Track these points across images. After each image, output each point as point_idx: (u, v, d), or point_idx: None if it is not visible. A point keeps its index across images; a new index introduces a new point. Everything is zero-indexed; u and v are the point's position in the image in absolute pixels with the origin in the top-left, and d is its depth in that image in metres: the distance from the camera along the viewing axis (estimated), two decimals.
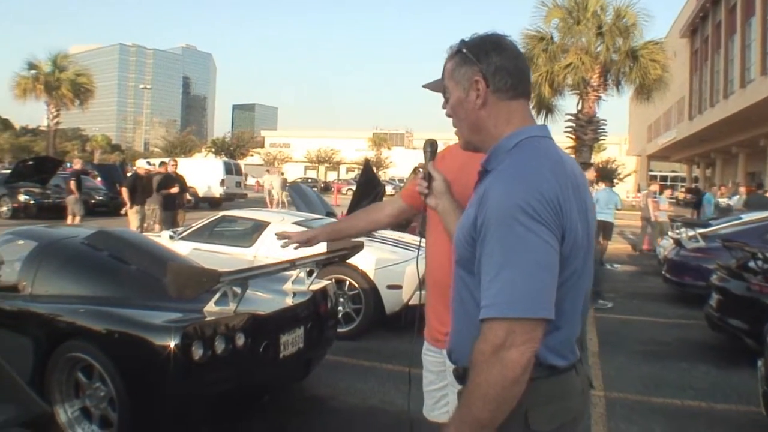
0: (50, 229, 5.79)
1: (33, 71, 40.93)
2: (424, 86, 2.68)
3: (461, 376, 1.89)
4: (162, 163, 15.60)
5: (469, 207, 1.83)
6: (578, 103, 24.03)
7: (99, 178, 28.01)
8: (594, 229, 1.86)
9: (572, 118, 24.09)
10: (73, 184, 16.13)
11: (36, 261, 4.85)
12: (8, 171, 24.79)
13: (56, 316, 4.26)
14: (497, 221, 1.64)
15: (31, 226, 6.46)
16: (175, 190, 13.92)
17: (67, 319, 4.19)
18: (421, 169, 2.45)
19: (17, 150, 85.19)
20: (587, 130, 23.53)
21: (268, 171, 38.96)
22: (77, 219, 15.89)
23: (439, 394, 2.78)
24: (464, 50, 1.91)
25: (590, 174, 11.54)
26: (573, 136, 24.04)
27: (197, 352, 3.78)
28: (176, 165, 14.84)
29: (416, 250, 7.04)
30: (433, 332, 2.71)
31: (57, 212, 21.49)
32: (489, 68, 1.86)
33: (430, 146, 2.43)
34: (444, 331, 2.57)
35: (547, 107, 24.51)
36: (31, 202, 21.71)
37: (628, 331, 8.23)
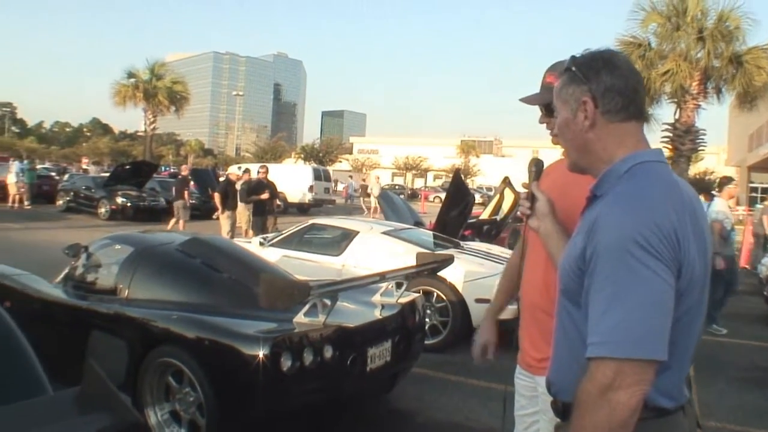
0: (146, 235, 5.94)
1: (132, 80, 42.73)
2: (521, 100, 2.60)
3: (560, 410, 1.82)
4: (246, 170, 15.96)
5: (576, 235, 1.73)
6: (676, 112, 23.15)
7: (192, 183, 28.79)
8: (710, 260, 1.72)
9: (669, 127, 23.18)
10: (182, 189, 16.62)
11: (132, 266, 4.98)
12: (107, 174, 25.74)
13: (150, 321, 4.35)
14: (609, 254, 1.54)
15: (128, 231, 6.64)
16: (265, 196, 14.14)
17: (160, 325, 4.27)
18: (524, 189, 2.37)
19: (116, 153, 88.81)
20: (685, 140, 22.58)
21: (350, 177, 39.34)
22: (181, 223, 16.37)
23: (530, 419, 2.69)
24: (573, 68, 1.81)
25: None
26: (670, 147, 23.08)
27: (286, 363, 3.79)
28: (267, 171, 15.05)
29: (505, 263, 6.93)
30: (526, 357, 2.63)
31: (152, 215, 22.31)
32: (598, 88, 1.75)
33: (535, 165, 2.36)
34: (537, 357, 2.50)
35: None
36: (128, 204, 22.46)
37: (726, 355, 7.77)
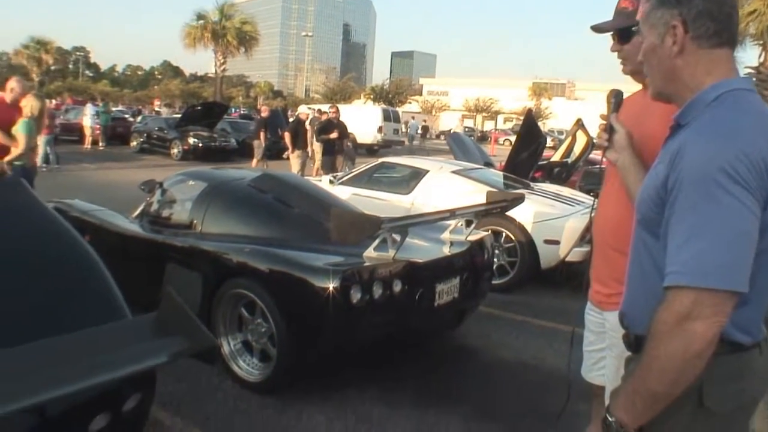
0: (219, 171, 6.04)
1: (201, 21, 42.98)
2: (592, 28, 2.52)
3: (632, 343, 1.80)
4: (323, 111, 16.05)
5: (658, 164, 1.67)
6: (760, 55, 22.15)
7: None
8: None
9: (753, 71, 22.22)
10: (259, 130, 16.84)
11: (206, 201, 5.08)
12: (179, 116, 26.18)
13: (223, 254, 4.45)
14: (693, 182, 1.49)
15: (200, 167, 6.76)
16: (334, 135, 14.18)
17: (233, 257, 4.36)
18: (602, 121, 2.30)
19: (187, 96, 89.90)
20: None
21: (413, 117, 39.02)
22: (254, 162, 16.63)
23: (598, 355, 2.69)
24: None
25: None
26: None
27: (355, 296, 3.85)
28: (337, 111, 15.07)
29: (576, 206, 6.81)
30: (595, 293, 2.61)
31: (223, 155, 22.68)
32: (690, 12, 1.65)
33: (615, 97, 2.29)
34: (606, 293, 2.49)
35: None
36: (199, 144, 22.87)
37: None
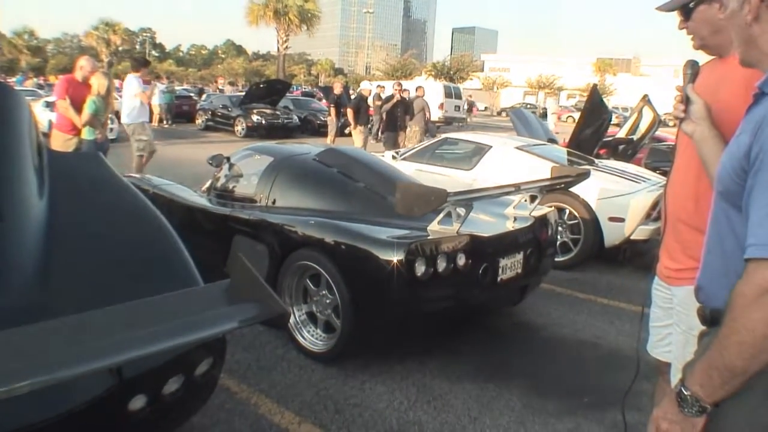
0: (285, 146, 6.13)
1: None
2: (657, 9, 2.48)
3: (707, 317, 1.76)
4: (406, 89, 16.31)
5: (740, 134, 1.63)
6: None
7: (324, 100, 29.31)
8: None
9: None
10: (332, 108, 16.91)
11: (272, 175, 5.18)
12: (242, 94, 26.50)
13: (289, 227, 4.53)
14: None
15: (266, 143, 6.87)
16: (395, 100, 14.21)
17: (299, 230, 4.44)
18: (678, 92, 2.26)
19: (250, 74, 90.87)
20: None
21: (470, 96, 38.55)
22: (331, 139, 16.80)
23: (665, 331, 2.67)
24: None
25: None
26: None
27: (420, 269, 3.87)
28: (400, 88, 15.09)
29: (642, 183, 6.72)
30: (664, 268, 2.57)
31: (285, 132, 22.93)
32: None
33: (691, 67, 2.24)
34: (674, 268, 2.47)
35: None
36: (263, 122, 23.18)
37: None
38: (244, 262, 2.46)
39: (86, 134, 8.39)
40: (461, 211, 4.05)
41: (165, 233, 3.09)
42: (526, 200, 4.89)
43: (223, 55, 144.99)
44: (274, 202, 5.04)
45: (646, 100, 11.77)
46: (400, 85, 15.66)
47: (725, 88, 2.16)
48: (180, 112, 28.21)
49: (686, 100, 2.21)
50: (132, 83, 10.64)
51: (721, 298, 1.57)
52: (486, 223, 4.67)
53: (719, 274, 1.69)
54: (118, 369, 2.26)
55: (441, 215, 4.06)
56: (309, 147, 5.72)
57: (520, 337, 5.11)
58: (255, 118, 23.28)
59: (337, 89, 17.46)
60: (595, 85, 10.34)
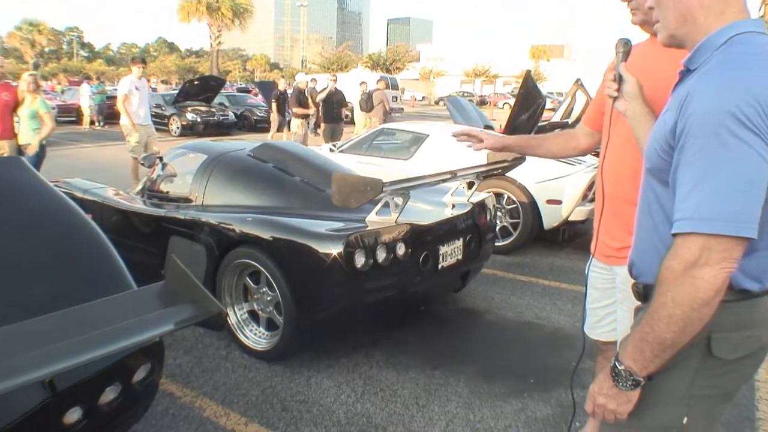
0: (219, 143, 6.03)
1: None
2: None
3: (641, 292, 1.80)
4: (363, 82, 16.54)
5: (666, 111, 1.65)
6: (760, 8, 21.93)
7: (259, 96, 29.03)
8: None
9: None
10: (274, 104, 16.75)
11: (206, 172, 5.08)
12: (176, 92, 26.09)
13: (226, 225, 4.44)
14: (702, 127, 1.46)
15: (200, 140, 6.75)
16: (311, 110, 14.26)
17: (235, 227, 4.36)
18: (613, 71, 2.25)
19: (183, 71, 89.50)
20: None
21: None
22: (270, 133, 16.66)
23: (603, 312, 2.69)
24: None
25: None
26: None
27: (359, 261, 3.84)
28: (336, 80, 15.05)
29: (577, 165, 6.78)
30: (604, 248, 2.57)
31: (222, 129, 22.69)
32: None
33: (623, 45, 2.22)
34: (615, 247, 2.47)
35: None
36: (198, 120, 22.87)
37: None
38: (177, 264, 2.41)
39: (25, 140, 8.17)
40: (399, 200, 4.03)
41: (93, 237, 2.99)
42: (463, 187, 4.91)
43: (155, 53, 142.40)
44: (209, 201, 4.94)
45: (579, 84, 11.94)
46: (335, 77, 15.62)
47: (660, 66, 2.17)
48: (112, 112, 27.55)
49: (619, 79, 2.20)
50: (121, 83, 10.60)
51: (653, 274, 1.59)
52: (425, 212, 4.67)
53: (650, 250, 1.72)
54: (50, 381, 2.18)
55: (379, 205, 4.04)
56: (244, 143, 5.62)
57: (465, 322, 5.13)
58: (190, 116, 22.94)
59: (281, 85, 17.35)
60: (528, 71, 10.43)
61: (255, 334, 4.40)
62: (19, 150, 8.21)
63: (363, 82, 18.13)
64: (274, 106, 16.44)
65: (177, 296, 2.36)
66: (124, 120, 10.44)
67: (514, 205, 7.22)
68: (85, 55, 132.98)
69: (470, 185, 4.89)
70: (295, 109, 14.36)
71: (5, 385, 1.70)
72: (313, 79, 16.90)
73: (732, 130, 1.41)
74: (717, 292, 1.45)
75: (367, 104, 15.96)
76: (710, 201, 1.43)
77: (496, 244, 7.06)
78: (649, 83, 2.18)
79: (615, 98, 2.23)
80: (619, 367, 1.62)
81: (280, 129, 16.22)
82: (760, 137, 1.41)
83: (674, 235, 1.50)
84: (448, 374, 4.15)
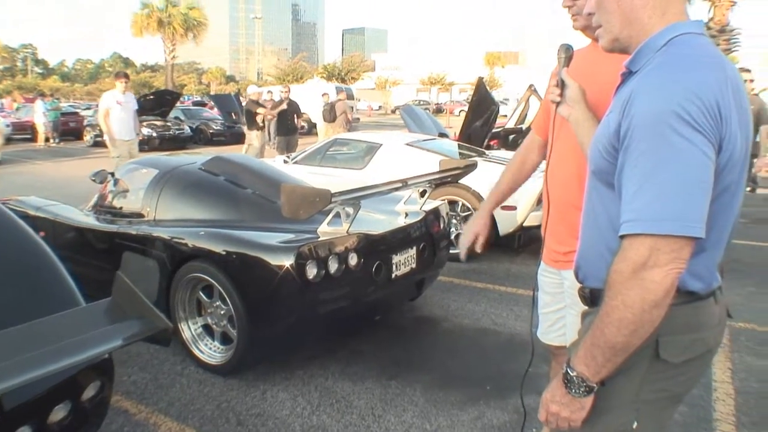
0: (170, 157, 5.99)
1: (146, 10, 42.53)
2: None
3: (587, 296, 1.79)
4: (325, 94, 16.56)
5: (609, 113, 1.64)
6: (709, 11, 22.34)
7: (215, 109, 28.86)
8: (751, 140, 1.62)
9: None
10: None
11: (158, 187, 5.04)
12: None
13: (177, 239, 4.41)
14: (645, 127, 1.45)
15: (152, 155, 6.70)
16: (283, 106, 14.18)
17: (187, 242, 4.33)
18: (557, 77, 2.27)
19: (138, 86, 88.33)
20: (719, 40, 21.81)
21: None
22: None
23: (555, 316, 2.71)
24: None
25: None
26: None
27: (311, 272, 3.84)
28: (288, 91, 15.01)
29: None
30: (551, 253, 2.60)
31: (179, 143, 22.52)
32: None
33: (565, 51, 2.25)
34: (563, 251, 2.49)
35: None
36: (154, 135, 22.60)
37: (759, 259, 7.56)
38: (124, 280, 2.40)
39: None
40: (350, 210, 4.04)
41: (40, 255, 2.96)
42: (416, 195, 4.94)
43: (110, 69, 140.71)
44: (161, 216, 4.90)
45: (532, 89, 12.09)
46: (287, 87, 15.60)
47: (602, 71, 2.19)
48: (67, 129, 27.24)
49: (561, 84, 2.23)
50: (102, 99, 10.75)
51: (600, 277, 1.59)
52: (377, 221, 4.69)
53: (595, 253, 1.72)
54: None
55: (330, 216, 4.04)
56: (195, 157, 5.59)
57: (421, 331, 5.15)
58: (145, 131, 22.56)
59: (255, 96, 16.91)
60: (480, 78, 10.55)
61: (210, 349, 4.37)
62: None
63: (325, 93, 18.18)
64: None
65: (124, 312, 2.35)
66: (109, 135, 10.52)
67: (469, 212, 7.26)
68: (40, 71, 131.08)
69: (423, 193, 4.92)
70: (272, 115, 14.25)
71: None
72: (269, 92, 16.81)
73: (676, 128, 1.41)
74: (667, 293, 1.45)
75: (330, 114, 15.97)
76: (657, 201, 1.43)
77: (453, 251, 7.10)
78: (592, 87, 2.21)
79: (558, 103, 2.25)
80: (571, 374, 1.59)
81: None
82: (703, 135, 1.41)
83: (622, 237, 1.49)
84: (405, 383, 4.16)
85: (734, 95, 1.49)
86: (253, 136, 14.28)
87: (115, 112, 10.37)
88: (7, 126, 25.77)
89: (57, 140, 25.68)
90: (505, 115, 14.59)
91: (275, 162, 8.61)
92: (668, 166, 1.42)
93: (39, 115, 25.36)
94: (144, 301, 2.32)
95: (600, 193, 1.70)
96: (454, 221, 7.25)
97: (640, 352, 1.54)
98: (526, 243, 7.89)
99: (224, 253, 4.10)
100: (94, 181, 6.09)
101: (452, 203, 7.21)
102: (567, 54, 2.26)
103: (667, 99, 1.43)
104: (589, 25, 2.30)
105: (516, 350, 4.71)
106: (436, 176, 4.68)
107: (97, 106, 31.10)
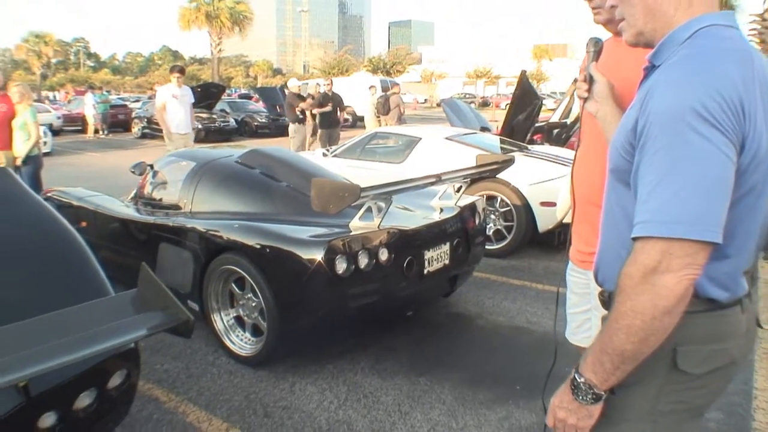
0: (207, 150, 6.05)
1: (194, 3, 43.11)
2: None
3: (607, 301, 1.70)
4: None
5: (630, 109, 1.56)
6: (765, 1, 21.56)
7: (260, 102, 29.15)
8: None
9: (757, 18, 21.55)
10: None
11: (194, 180, 5.09)
12: None
13: (211, 231, 4.44)
14: (663, 125, 1.37)
15: (192, 148, 6.77)
16: (328, 108, 14.15)
17: (221, 234, 4.35)
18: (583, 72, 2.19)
19: (186, 79, 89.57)
20: None
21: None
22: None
23: (582, 317, 2.65)
24: None
25: None
26: (758, 40, 21.47)
27: (341, 266, 3.83)
28: (331, 84, 15.03)
29: (571, 165, 6.77)
30: (577, 253, 2.55)
31: (224, 135, 22.80)
32: None
33: (594, 45, 2.18)
34: (587, 251, 2.43)
35: (725, 4, 21.85)
36: (199, 127, 22.86)
37: None
38: (149, 272, 2.43)
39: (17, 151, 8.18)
40: (382, 205, 4.02)
41: (71, 245, 3.00)
42: (452, 190, 4.89)
43: (159, 62, 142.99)
44: (197, 208, 4.95)
45: (576, 83, 11.88)
46: (330, 81, 15.61)
47: (627, 65, 2.11)
48: (116, 121, 27.82)
49: (589, 79, 2.16)
50: (158, 94, 10.82)
51: (616, 281, 1.51)
52: (411, 216, 4.67)
53: (614, 255, 1.63)
54: (24, 386, 2.19)
55: (362, 210, 4.02)
56: (232, 150, 5.63)
57: (454, 328, 5.11)
58: None
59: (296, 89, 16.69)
60: (523, 72, 10.39)
61: (241, 340, 4.40)
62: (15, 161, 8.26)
63: (372, 86, 18.19)
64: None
65: (149, 303, 2.38)
66: (165, 128, 10.58)
67: (508, 208, 7.19)
68: (92, 65, 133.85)
69: (458, 189, 4.87)
70: (310, 109, 14.27)
71: None
72: (318, 84, 16.86)
73: (693, 126, 1.33)
74: (680, 300, 1.37)
75: (384, 107, 16.00)
76: (671, 202, 1.35)
77: (491, 247, 7.05)
78: (617, 83, 2.14)
79: (586, 99, 2.19)
80: (579, 380, 1.54)
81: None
82: (723, 134, 1.34)
83: (634, 239, 1.42)
84: (434, 381, 4.13)
85: (762, 91, 1.41)
86: (294, 129, 14.33)
87: (171, 105, 10.45)
88: (58, 118, 26.47)
89: (106, 132, 26.31)
90: (553, 109, 14.41)
91: (314, 155, 8.63)
92: (684, 166, 1.35)
93: (89, 108, 26.04)
94: (167, 293, 2.35)
95: (618, 192, 1.63)
96: (492, 217, 7.18)
97: (657, 362, 1.48)
98: (565, 240, 7.77)
99: (255, 245, 4.11)
100: (133, 172, 6.19)
101: (491, 198, 7.15)
102: (596, 48, 2.19)
103: (685, 95, 1.36)
104: (612, 18, 2.23)
105: (549, 350, 4.61)
106: (472, 171, 4.63)
107: (150, 98, 31.72)
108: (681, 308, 1.39)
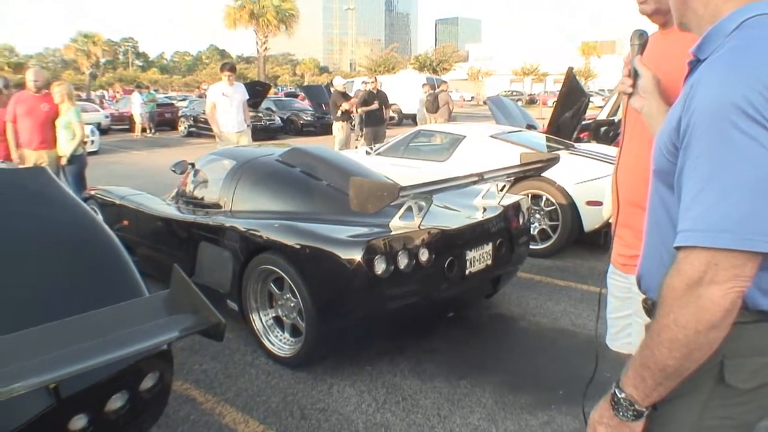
0: (248, 149, 6.03)
1: (239, 2, 43.49)
2: None
3: (650, 309, 1.59)
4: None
5: (674, 106, 1.45)
6: None
7: (306, 100, 29.29)
8: None
9: None
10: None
11: (235, 178, 5.08)
12: None
13: (251, 231, 4.40)
14: (706, 124, 1.27)
15: (232, 146, 6.77)
16: (374, 106, 14.10)
17: (260, 233, 4.31)
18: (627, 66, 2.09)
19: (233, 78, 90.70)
20: None
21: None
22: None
23: (623, 322, 2.52)
24: None
25: None
26: None
27: (380, 267, 3.75)
28: (376, 82, 14.97)
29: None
30: (618, 256, 2.44)
31: (270, 133, 22.96)
32: None
33: (639, 38, 2.06)
34: (629, 255, 2.32)
35: None
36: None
37: None
38: (181, 273, 2.40)
39: (61, 150, 8.30)
40: (422, 203, 3.93)
41: (106, 245, 2.99)
42: (495, 189, 4.78)
43: (207, 61, 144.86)
44: (237, 207, 4.93)
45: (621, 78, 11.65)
46: (375, 79, 15.56)
47: (672, 58, 2.00)
48: (162, 119, 28.22)
49: (634, 74, 2.05)
50: (209, 93, 10.53)
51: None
52: (453, 216, 4.57)
53: (658, 262, 1.54)
54: (54, 387, 2.17)
55: (402, 210, 3.94)
56: (273, 148, 5.60)
57: (496, 329, 5.00)
58: None
59: (341, 88, 16.39)
60: (570, 68, 10.21)
61: (280, 340, 4.36)
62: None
63: (425, 84, 18.16)
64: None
65: (181, 305, 2.34)
66: (216, 127, 10.19)
67: (553, 207, 7.03)
68: (140, 64, 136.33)
69: (502, 188, 4.76)
70: (353, 108, 14.24)
71: (7, 390, 1.70)
72: (364, 82, 16.82)
73: (738, 124, 1.23)
74: (726, 313, 1.28)
75: (434, 105, 16.01)
76: (715, 209, 1.25)
77: (536, 247, 6.91)
78: (662, 77, 2.03)
79: (630, 95, 2.08)
80: (620, 395, 1.45)
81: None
82: None
83: (677, 248, 1.32)
84: (474, 384, 4.03)
85: None
86: (338, 127, 14.31)
87: (221, 104, 10.11)
88: (106, 117, 26.98)
89: (153, 131, 26.71)
90: (601, 107, 14.15)
91: (357, 153, 8.58)
92: (729, 169, 1.24)
93: (136, 107, 26.46)
94: (199, 295, 2.31)
95: (661, 195, 1.52)
96: (537, 216, 7.04)
97: (702, 375, 1.38)
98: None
99: (294, 245, 4.05)
100: (174, 171, 6.21)
101: (536, 197, 7.01)
102: (641, 41, 2.07)
103: (729, 90, 1.25)
104: (659, 8, 2.12)
105: (592, 354, 4.50)
106: (515, 170, 4.51)
107: (201, 97, 32.06)
108: (728, 322, 1.29)
